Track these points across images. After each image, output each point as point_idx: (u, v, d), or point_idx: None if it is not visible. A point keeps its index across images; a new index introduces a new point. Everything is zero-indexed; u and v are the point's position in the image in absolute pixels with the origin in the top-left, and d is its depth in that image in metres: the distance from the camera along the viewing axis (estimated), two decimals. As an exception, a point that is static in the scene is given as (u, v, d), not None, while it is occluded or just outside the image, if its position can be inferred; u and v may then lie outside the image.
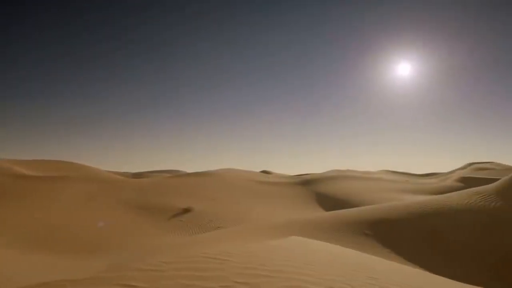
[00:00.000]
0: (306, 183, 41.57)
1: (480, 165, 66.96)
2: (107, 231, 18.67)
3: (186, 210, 23.91)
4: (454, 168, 72.60)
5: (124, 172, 78.96)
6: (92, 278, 3.39)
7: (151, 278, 3.35)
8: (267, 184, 40.26)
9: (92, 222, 20.07)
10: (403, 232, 12.39)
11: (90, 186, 29.42)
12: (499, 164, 67.73)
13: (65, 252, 14.54)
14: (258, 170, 71.31)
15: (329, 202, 31.44)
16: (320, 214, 18.17)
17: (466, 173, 55.47)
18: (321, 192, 35.58)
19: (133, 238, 17.64)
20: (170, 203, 25.71)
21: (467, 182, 40.73)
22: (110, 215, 21.97)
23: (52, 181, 29.12)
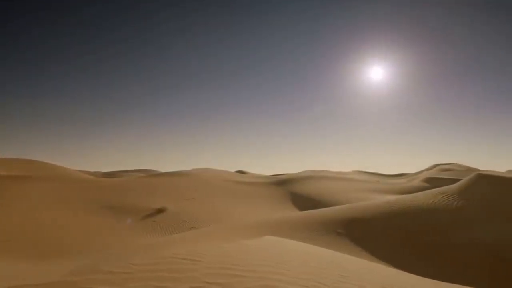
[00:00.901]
0: (282, 183, 41.94)
1: (445, 166, 70.86)
2: (76, 232, 17.85)
3: (160, 210, 23.36)
4: (421, 169, 76.32)
5: (94, 172, 75.95)
6: (56, 283, 3.22)
7: (118, 281, 3.22)
8: (244, 184, 40.24)
9: (61, 223, 19.11)
10: (374, 231, 12.80)
11: (59, 186, 28.03)
12: (461, 165, 71.98)
13: (30, 255, 13.71)
14: (233, 170, 71.06)
15: (304, 201, 31.91)
16: (295, 213, 18.41)
17: (432, 173, 58.50)
18: (296, 192, 36.04)
19: (103, 239, 16.99)
20: (143, 203, 25.02)
21: (432, 182, 42.96)
22: (80, 216, 21.03)
23: (20, 180, 27.44)
